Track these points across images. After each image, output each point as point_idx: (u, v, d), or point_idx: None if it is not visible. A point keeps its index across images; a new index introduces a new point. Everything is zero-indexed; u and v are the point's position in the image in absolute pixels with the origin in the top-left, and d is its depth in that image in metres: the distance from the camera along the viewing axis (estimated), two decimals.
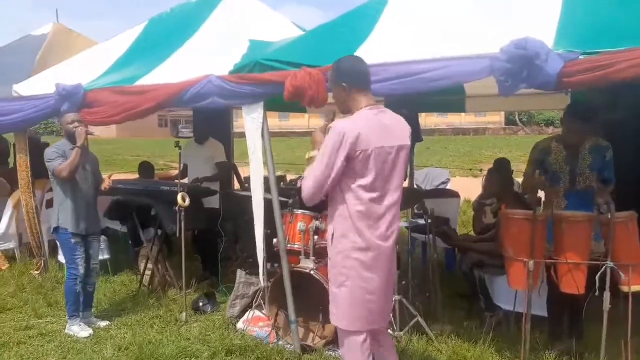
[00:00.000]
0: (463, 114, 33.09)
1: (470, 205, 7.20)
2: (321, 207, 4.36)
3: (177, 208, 4.14)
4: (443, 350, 3.50)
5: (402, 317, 3.71)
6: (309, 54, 3.31)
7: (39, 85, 4.88)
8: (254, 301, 4.01)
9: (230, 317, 4.04)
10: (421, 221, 4.35)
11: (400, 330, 3.65)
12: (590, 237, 2.95)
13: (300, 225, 3.78)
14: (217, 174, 5.26)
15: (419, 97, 3.47)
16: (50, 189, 3.85)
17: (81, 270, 3.93)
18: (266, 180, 3.70)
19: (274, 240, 3.73)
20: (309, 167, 2.37)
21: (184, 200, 4.15)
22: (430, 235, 4.15)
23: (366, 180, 2.26)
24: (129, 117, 4.04)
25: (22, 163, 5.04)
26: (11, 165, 5.97)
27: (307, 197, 2.33)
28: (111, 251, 5.40)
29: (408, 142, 2.39)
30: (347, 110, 2.38)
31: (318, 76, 3.05)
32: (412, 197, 3.87)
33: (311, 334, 3.72)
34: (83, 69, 4.84)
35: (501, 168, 5.16)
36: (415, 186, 6.32)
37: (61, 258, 4.71)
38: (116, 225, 5.91)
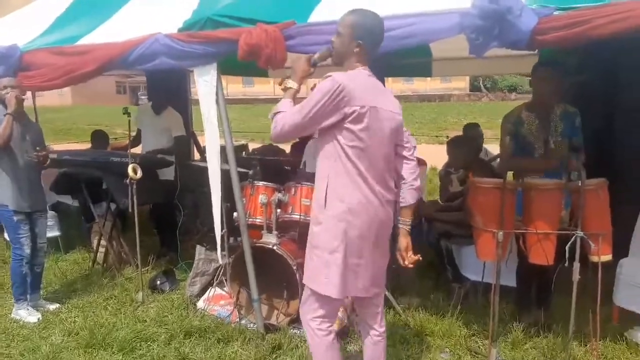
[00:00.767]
0: (429, 79, 32.98)
1: (437, 174, 7.12)
2: (284, 180, 4.24)
3: (128, 181, 3.86)
4: (411, 324, 3.40)
5: None
6: (265, 9, 3.02)
7: None
8: (215, 279, 3.82)
9: (190, 296, 3.85)
10: None
11: None
12: (560, 205, 2.86)
13: (261, 198, 3.57)
14: (173, 146, 4.92)
15: (385, 59, 3.24)
16: None
17: (27, 250, 3.65)
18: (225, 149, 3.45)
19: (234, 214, 3.51)
20: (286, 100, 2.24)
21: (135, 172, 3.86)
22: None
23: (362, 139, 2.13)
24: (71, 81, 3.67)
25: None
26: None
27: (279, 136, 2.20)
28: (62, 227, 5.10)
29: (397, 110, 2.28)
30: (339, 62, 2.25)
31: (275, 34, 2.78)
32: None
33: (275, 312, 3.57)
34: (19, 28, 4.39)
35: (473, 134, 5.06)
36: None
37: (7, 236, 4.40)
38: (68, 200, 5.56)
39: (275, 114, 2.22)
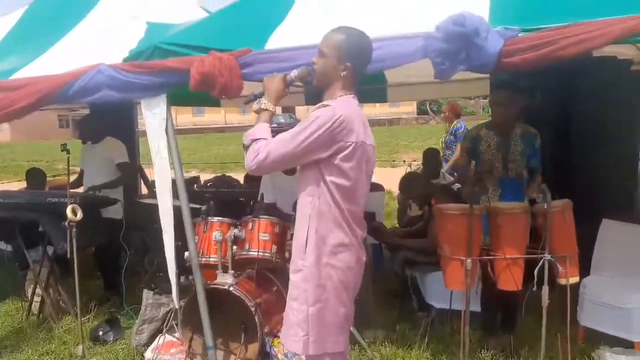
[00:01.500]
0: (378, 104, 33.70)
1: (392, 198, 7.10)
2: (239, 213, 4.03)
3: (67, 223, 3.52)
4: None
5: None
6: (218, 36, 2.87)
7: None
8: (164, 324, 3.51)
9: (137, 346, 3.50)
10: None
11: None
12: (527, 229, 2.82)
13: (216, 234, 3.33)
14: (120, 177, 4.56)
15: None
16: None
17: None
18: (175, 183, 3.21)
19: (186, 253, 3.25)
20: (263, 125, 2.03)
21: (74, 213, 3.52)
22: None
23: (350, 177, 1.97)
24: (7, 117, 3.33)
25: None
26: None
27: (261, 166, 1.95)
28: None
29: (374, 144, 2.12)
30: (322, 85, 2.06)
31: (230, 61, 2.62)
32: None
33: (232, 357, 3.30)
34: None
35: (430, 160, 5.13)
36: None
37: None
38: (1, 245, 5.06)
39: (254, 140, 1.99)
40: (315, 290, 1.97)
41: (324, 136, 1.89)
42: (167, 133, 3.00)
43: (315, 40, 2.57)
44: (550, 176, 3.36)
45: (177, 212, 3.11)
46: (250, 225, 3.35)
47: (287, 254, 3.46)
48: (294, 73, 2.15)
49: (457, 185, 4.42)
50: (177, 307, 3.24)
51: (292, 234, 3.71)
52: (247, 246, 3.31)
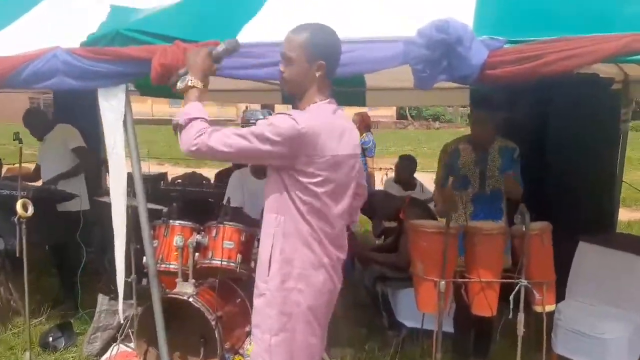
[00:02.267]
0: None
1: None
2: (207, 215, 3.81)
3: (16, 219, 3.26)
4: None
5: None
6: (185, 25, 2.64)
7: None
8: (119, 333, 3.28)
9: (89, 356, 3.29)
10: None
11: None
12: (503, 251, 2.68)
13: (177, 240, 3.12)
14: (77, 165, 4.28)
15: None
16: None
17: None
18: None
19: (144, 258, 3.03)
20: (195, 104, 1.83)
21: (25, 209, 3.26)
22: None
23: (319, 196, 1.79)
24: None
25: None
26: None
27: (201, 147, 1.74)
28: None
29: (358, 151, 1.95)
30: (297, 92, 1.87)
31: None
32: None
33: None
34: None
35: (404, 167, 4.96)
36: None
37: None
38: None
39: (191, 119, 1.77)
40: (279, 317, 1.79)
41: (277, 151, 1.72)
42: (125, 126, 2.78)
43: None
44: (525, 193, 3.25)
45: (137, 212, 2.91)
46: (214, 231, 3.14)
47: (253, 264, 3.26)
48: (221, 47, 1.94)
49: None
50: (121, 321, 3.02)
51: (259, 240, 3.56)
52: (210, 254, 3.11)
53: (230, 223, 3.18)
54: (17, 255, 3.35)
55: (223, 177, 5.20)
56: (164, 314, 2.86)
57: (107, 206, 3.81)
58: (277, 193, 1.80)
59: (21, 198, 3.27)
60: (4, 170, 5.60)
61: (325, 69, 1.81)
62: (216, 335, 2.90)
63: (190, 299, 2.98)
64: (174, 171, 9.75)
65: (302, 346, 1.82)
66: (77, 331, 3.68)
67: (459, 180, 3.06)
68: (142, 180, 2.89)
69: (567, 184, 3.86)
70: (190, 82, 1.87)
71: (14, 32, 3.37)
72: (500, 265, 2.64)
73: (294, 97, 1.94)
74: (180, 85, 1.88)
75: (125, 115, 2.77)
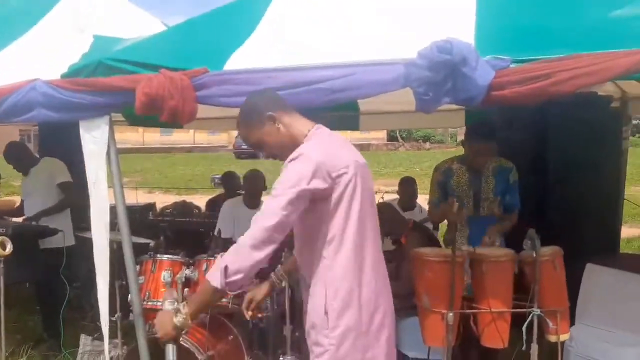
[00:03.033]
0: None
1: None
2: (198, 246, 3.65)
3: None
4: None
5: None
6: (170, 53, 2.53)
7: None
8: None
9: None
10: None
11: None
12: (512, 279, 2.53)
13: (164, 275, 2.96)
14: (62, 200, 4.14)
15: (309, 112, 2.84)
16: None
17: None
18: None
19: (130, 296, 2.86)
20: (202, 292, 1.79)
21: (3, 247, 3.09)
22: None
23: (349, 212, 1.72)
24: None
25: None
26: None
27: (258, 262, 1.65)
28: None
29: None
30: (286, 152, 1.79)
31: (183, 82, 2.29)
32: None
33: None
34: None
35: (406, 189, 4.89)
36: None
37: None
38: None
39: (222, 288, 1.66)
40: None
41: (309, 185, 1.64)
42: (109, 158, 2.63)
43: (280, 62, 2.30)
44: (526, 215, 3.14)
45: (120, 247, 2.75)
46: (204, 265, 2.98)
47: None
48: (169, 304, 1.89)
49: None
50: (109, 356, 2.83)
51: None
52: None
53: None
54: None
55: (214, 205, 5.05)
56: (150, 355, 2.68)
57: (92, 241, 3.67)
58: (320, 224, 1.72)
59: None
60: None
61: (282, 113, 1.81)
62: None
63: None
64: (165, 199, 9.58)
65: None
66: None
67: (447, 205, 2.95)
68: (127, 213, 2.75)
69: (569, 204, 3.76)
70: (182, 316, 1.79)
71: None
72: (510, 293, 2.50)
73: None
74: (187, 323, 1.81)
75: (108, 147, 2.63)
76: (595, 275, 3.20)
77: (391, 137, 38.04)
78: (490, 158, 3.02)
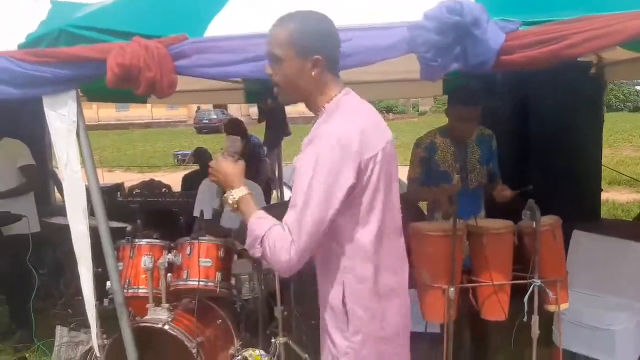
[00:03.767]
0: None
1: None
2: (173, 228, 3.46)
3: None
4: None
5: None
6: (142, 19, 2.28)
7: None
8: None
9: None
10: None
11: None
12: (512, 250, 2.49)
13: (145, 261, 2.77)
14: (24, 184, 3.87)
15: None
16: None
17: None
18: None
19: (108, 283, 2.67)
20: (257, 219, 1.50)
21: None
22: None
23: (373, 203, 1.52)
24: None
25: None
26: None
27: (293, 267, 1.44)
28: None
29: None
30: (298, 98, 1.57)
31: (159, 50, 2.06)
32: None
33: None
34: None
35: None
36: (285, 186, 5.58)
37: None
38: None
39: (260, 240, 1.46)
40: None
41: (343, 175, 1.42)
42: (78, 137, 2.40)
43: (267, 27, 2.10)
44: (508, 182, 3.11)
45: (96, 232, 2.54)
46: (188, 249, 2.80)
47: (233, 281, 2.97)
48: (231, 149, 1.69)
49: None
50: (97, 354, 2.65)
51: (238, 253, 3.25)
52: (184, 274, 2.77)
53: (206, 238, 2.85)
54: None
55: (190, 181, 4.83)
56: (136, 345, 2.56)
57: (59, 227, 3.43)
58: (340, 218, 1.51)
59: None
60: None
61: (326, 62, 1.51)
62: None
63: (166, 326, 2.66)
64: (127, 178, 9.19)
65: None
66: None
67: (440, 177, 2.85)
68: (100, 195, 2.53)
69: (551, 171, 3.78)
70: (234, 195, 1.57)
71: None
72: (510, 265, 2.45)
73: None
74: (229, 203, 1.59)
75: (77, 125, 2.39)
76: (581, 242, 3.23)
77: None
78: (475, 125, 2.90)
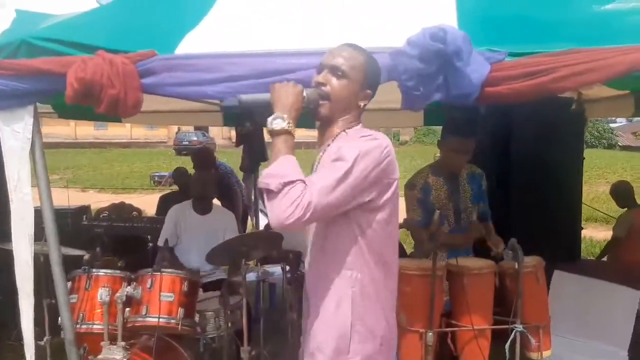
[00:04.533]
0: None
1: None
2: (141, 256, 3.25)
3: None
4: None
5: None
6: (110, 32, 2.14)
7: None
8: None
9: None
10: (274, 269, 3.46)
11: None
12: (493, 292, 2.36)
13: (102, 293, 2.55)
14: None
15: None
16: None
17: None
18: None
19: (60, 319, 2.45)
20: (288, 159, 1.44)
21: None
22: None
23: (392, 227, 1.58)
24: None
25: None
26: None
27: (298, 222, 1.37)
28: None
29: None
30: (337, 113, 1.59)
31: (126, 66, 1.92)
32: (269, 241, 2.92)
33: None
34: None
35: None
36: (261, 213, 5.39)
37: None
38: None
39: (287, 183, 1.38)
40: None
41: (373, 176, 1.45)
42: (33, 156, 2.22)
43: (243, 47, 1.99)
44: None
45: (48, 260, 2.34)
46: (149, 281, 2.61)
47: (197, 318, 2.76)
48: (308, 90, 1.57)
49: None
50: None
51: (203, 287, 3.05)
52: (144, 310, 2.57)
53: (169, 270, 2.67)
54: None
55: (166, 203, 4.57)
56: None
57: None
58: (349, 240, 1.52)
59: None
60: None
61: (370, 97, 1.62)
62: None
63: None
64: (100, 198, 8.89)
65: None
66: None
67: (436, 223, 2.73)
68: (57, 218, 2.33)
69: (532, 207, 3.70)
70: (288, 124, 1.48)
71: None
72: (491, 308, 2.33)
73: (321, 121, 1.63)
74: (275, 124, 1.48)
75: (33, 143, 2.21)
76: (563, 283, 3.12)
77: None
78: (468, 158, 2.82)
